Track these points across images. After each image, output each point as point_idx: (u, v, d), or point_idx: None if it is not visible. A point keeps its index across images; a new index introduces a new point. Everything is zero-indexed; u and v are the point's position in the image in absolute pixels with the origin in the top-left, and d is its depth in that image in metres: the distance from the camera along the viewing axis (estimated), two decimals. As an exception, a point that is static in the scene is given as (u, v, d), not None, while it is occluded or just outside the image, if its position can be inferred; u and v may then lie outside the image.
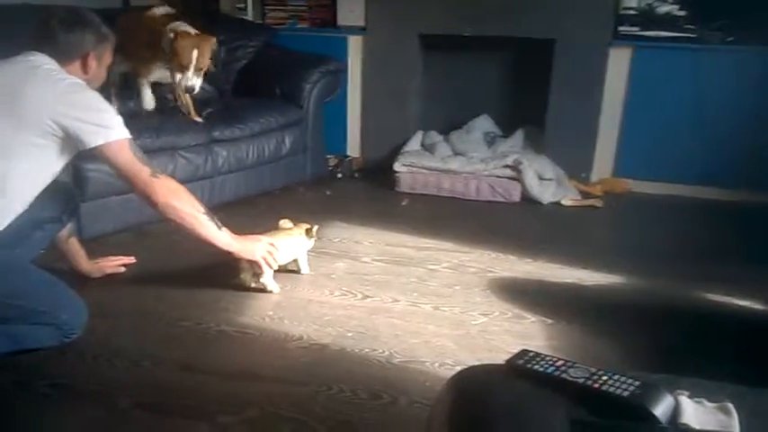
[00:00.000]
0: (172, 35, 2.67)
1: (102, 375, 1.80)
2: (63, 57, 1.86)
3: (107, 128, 1.82)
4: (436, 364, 1.86)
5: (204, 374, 1.80)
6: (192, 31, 2.73)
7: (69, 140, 1.80)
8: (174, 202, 1.93)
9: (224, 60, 3.52)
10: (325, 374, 1.81)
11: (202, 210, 2.01)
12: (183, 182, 2.79)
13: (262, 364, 1.86)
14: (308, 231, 2.36)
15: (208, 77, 2.94)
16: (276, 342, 1.97)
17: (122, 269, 2.37)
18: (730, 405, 0.91)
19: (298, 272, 2.39)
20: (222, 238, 2.06)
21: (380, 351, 1.92)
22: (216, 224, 2.05)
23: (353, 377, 1.80)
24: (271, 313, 2.13)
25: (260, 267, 2.18)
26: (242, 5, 3.78)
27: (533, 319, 2.12)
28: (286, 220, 2.40)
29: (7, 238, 1.79)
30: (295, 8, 3.73)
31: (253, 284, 2.25)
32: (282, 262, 2.28)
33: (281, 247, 2.23)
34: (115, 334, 1.99)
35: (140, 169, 1.88)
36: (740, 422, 0.88)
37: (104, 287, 2.27)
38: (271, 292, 2.25)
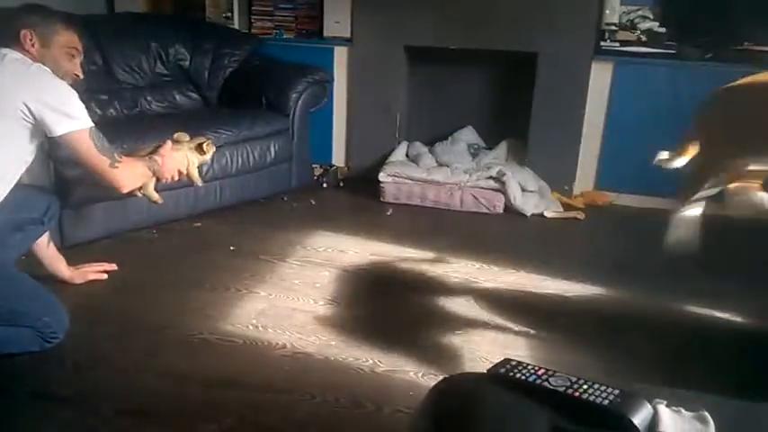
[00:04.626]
0: None
1: (84, 382, 1.78)
2: (8, 40, 1.89)
3: (70, 117, 1.86)
4: (420, 374, 1.87)
5: (186, 382, 1.79)
6: None
7: (38, 126, 1.83)
8: (134, 185, 2.09)
9: (210, 69, 3.52)
10: (308, 383, 1.81)
11: (150, 174, 2.16)
12: (166, 189, 2.82)
13: (244, 372, 1.85)
14: (199, 147, 2.35)
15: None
16: (259, 350, 1.97)
17: (104, 276, 2.36)
18: (707, 414, 0.93)
19: (192, 184, 2.42)
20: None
21: (364, 360, 1.93)
22: (157, 172, 2.18)
23: (337, 386, 1.80)
24: (254, 321, 2.12)
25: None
26: (228, 15, 3.79)
27: (516, 329, 2.13)
28: (182, 133, 2.39)
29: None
30: (281, 18, 3.74)
31: (138, 194, 2.23)
32: (171, 176, 2.27)
33: (172, 160, 2.24)
34: (97, 340, 1.97)
35: (100, 160, 1.93)
36: (717, 430, 0.90)
37: (86, 293, 2.26)
38: (155, 202, 2.28)
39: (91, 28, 3.04)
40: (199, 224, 2.93)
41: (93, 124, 1.91)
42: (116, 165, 1.96)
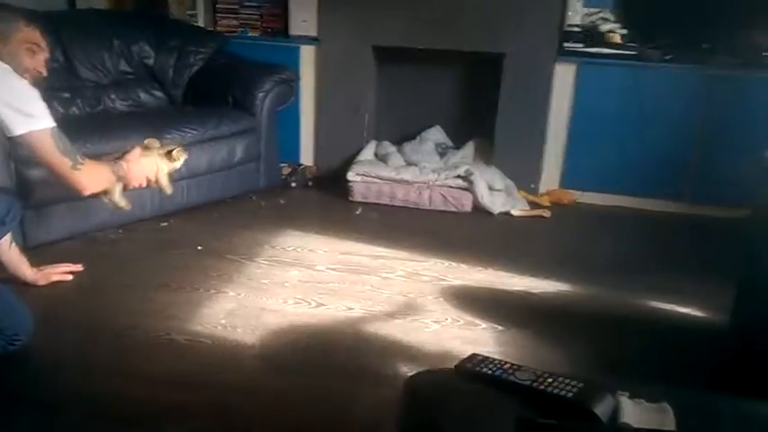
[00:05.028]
0: None
1: (49, 385, 1.75)
2: None
3: (31, 116, 1.82)
4: (390, 372, 1.88)
5: (153, 383, 1.78)
6: None
7: None
8: (96, 188, 2.04)
9: (175, 67, 3.48)
10: (278, 383, 1.81)
11: (114, 179, 2.10)
12: (132, 189, 2.77)
13: (213, 373, 1.84)
14: (168, 153, 2.29)
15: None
16: (228, 350, 1.96)
17: (69, 277, 2.32)
18: (667, 405, 0.96)
19: (162, 191, 2.33)
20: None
21: (334, 359, 1.93)
22: (122, 176, 2.12)
23: (307, 385, 1.80)
24: (224, 321, 2.11)
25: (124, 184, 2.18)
26: (193, 12, 3.74)
27: (484, 325, 2.16)
28: (153, 140, 2.34)
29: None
30: (247, 16, 3.71)
31: (104, 200, 2.20)
32: (139, 183, 2.21)
33: (140, 166, 2.19)
34: (62, 343, 1.94)
35: (62, 161, 1.89)
36: (676, 420, 0.93)
37: (50, 295, 2.22)
38: (122, 208, 2.22)
39: (52, 24, 2.97)
40: (165, 224, 2.89)
41: (54, 124, 1.88)
42: (78, 167, 1.92)
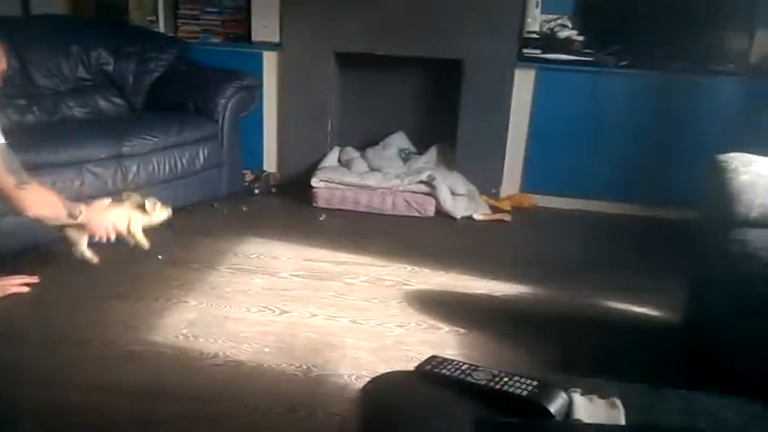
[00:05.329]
0: None
1: (5, 399, 1.70)
2: None
3: None
4: (353, 377, 1.89)
5: (113, 395, 1.75)
6: None
7: None
8: (40, 213, 2.00)
9: (135, 73, 3.43)
10: (241, 391, 1.80)
11: (65, 212, 2.05)
12: (91, 197, 2.73)
13: (175, 383, 1.82)
14: (141, 206, 2.25)
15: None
16: (190, 360, 1.94)
17: (26, 289, 2.26)
18: (617, 400, 0.99)
19: (137, 246, 2.27)
20: (74, 223, 2.11)
21: (298, 365, 1.93)
22: (74, 217, 2.08)
23: (270, 392, 1.80)
24: (185, 331, 2.09)
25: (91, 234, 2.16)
26: (153, 18, 3.70)
27: (447, 329, 2.19)
28: (132, 193, 2.32)
29: None
30: (208, 22, 3.69)
31: (77, 253, 2.19)
32: (105, 234, 2.17)
33: (108, 218, 2.16)
34: (18, 356, 1.89)
35: (5, 180, 1.87)
36: (626, 415, 0.97)
37: (6, 307, 2.16)
38: (89, 260, 2.20)
39: (6, 30, 2.91)
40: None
41: (4, 141, 1.85)
42: (23, 186, 1.90)
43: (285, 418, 1.70)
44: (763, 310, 1.51)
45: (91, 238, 2.16)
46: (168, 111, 3.24)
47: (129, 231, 2.22)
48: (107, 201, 2.21)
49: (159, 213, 2.29)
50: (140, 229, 2.25)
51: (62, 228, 2.15)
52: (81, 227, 2.13)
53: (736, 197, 1.81)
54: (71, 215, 2.05)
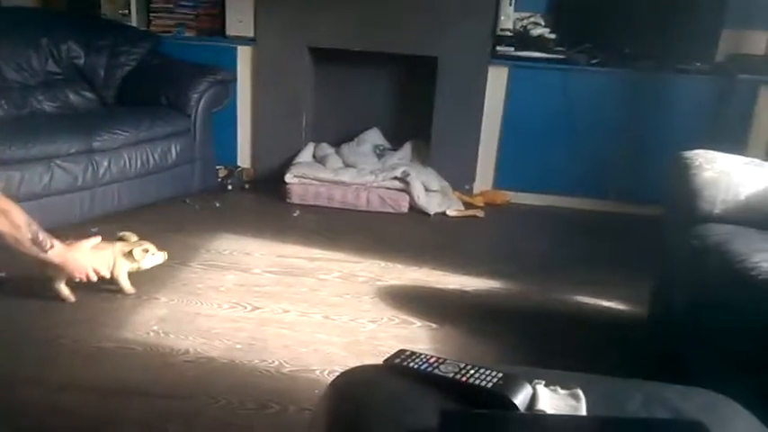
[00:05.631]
0: None
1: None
2: None
3: None
4: (325, 372, 1.90)
5: (83, 393, 1.74)
6: None
7: None
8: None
9: (106, 67, 3.39)
10: (212, 387, 1.79)
11: (28, 235, 1.90)
12: (60, 193, 2.70)
13: (145, 380, 1.81)
14: (129, 253, 2.22)
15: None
16: (161, 357, 1.93)
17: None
18: (580, 391, 1.02)
19: (119, 291, 2.25)
20: (41, 255, 1.97)
21: (270, 361, 1.94)
22: (41, 246, 1.95)
23: (242, 389, 1.80)
24: (155, 328, 2.08)
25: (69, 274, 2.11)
26: (126, 12, 3.65)
27: (419, 324, 2.21)
28: (131, 234, 2.31)
29: None
30: (182, 16, 3.65)
31: (53, 290, 2.15)
32: (83, 273, 2.12)
33: (89, 260, 2.11)
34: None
35: None
36: (587, 405, 0.99)
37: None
38: (65, 298, 2.17)
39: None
40: (95, 229, 2.79)
41: None
42: None
43: (256, 413, 1.71)
44: (722, 305, 1.55)
45: (71, 277, 2.12)
46: (140, 105, 3.20)
47: (112, 276, 2.20)
48: (94, 241, 2.15)
49: (150, 260, 2.27)
50: (125, 275, 2.23)
51: (43, 264, 2.06)
52: (56, 265, 2.05)
53: (699, 193, 1.86)
54: (35, 242, 1.92)
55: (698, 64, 3.30)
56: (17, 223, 1.88)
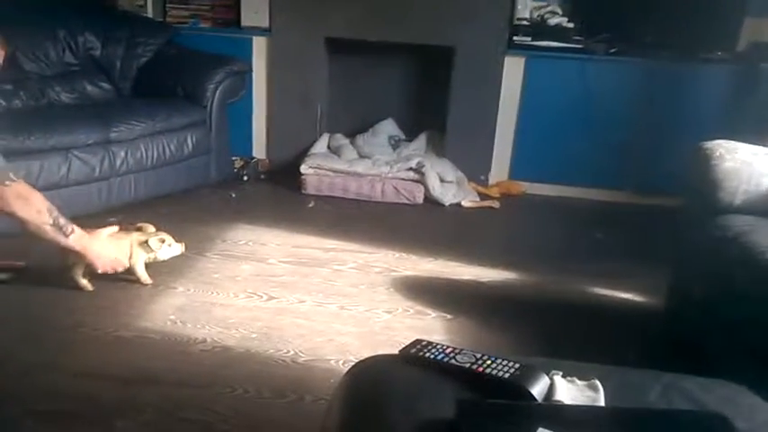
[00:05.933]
0: None
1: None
2: None
3: None
4: (341, 362, 1.90)
5: (101, 380, 1.75)
6: None
7: None
8: (16, 210, 1.88)
9: (122, 58, 3.41)
10: (229, 376, 1.81)
11: (49, 221, 1.93)
12: (78, 183, 2.72)
13: (162, 368, 1.83)
14: (144, 243, 2.23)
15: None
16: (178, 346, 1.95)
17: (11, 273, 2.25)
18: (598, 382, 1.01)
19: (137, 281, 2.26)
20: (62, 241, 1.99)
21: (285, 351, 1.94)
22: (62, 231, 1.97)
23: (258, 377, 1.81)
24: (173, 317, 2.09)
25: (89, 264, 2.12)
26: (141, 3, 3.67)
27: (434, 314, 2.20)
28: (148, 224, 2.32)
29: None
30: (197, 7, 3.65)
31: (72, 279, 2.17)
32: (106, 265, 2.14)
33: (109, 250, 2.13)
34: (5, 341, 1.89)
35: None
36: (606, 396, 0.98)
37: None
38: (83, 288, 2.19)
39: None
40: (113, 219, 2.83)
41: None
42: (7, 183, 1.85)
43: (273, 402, 1.72)
44: (742, 296, 1.53)
45: (92, 269, 2.14)
46: (156, 96, 3.22)
47: (130, 265, 2.22)
48: (111, 230, 2.17)
49: (167, 251, 2.28)
50: (142, 265, 2.25)
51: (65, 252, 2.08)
52: (77, 253, 2.07)
53: (720, 184, 1.83)
54: (56, 226, 1.95)
55: (719, 53, 3.25)
56: (39, 208, 1.91)
